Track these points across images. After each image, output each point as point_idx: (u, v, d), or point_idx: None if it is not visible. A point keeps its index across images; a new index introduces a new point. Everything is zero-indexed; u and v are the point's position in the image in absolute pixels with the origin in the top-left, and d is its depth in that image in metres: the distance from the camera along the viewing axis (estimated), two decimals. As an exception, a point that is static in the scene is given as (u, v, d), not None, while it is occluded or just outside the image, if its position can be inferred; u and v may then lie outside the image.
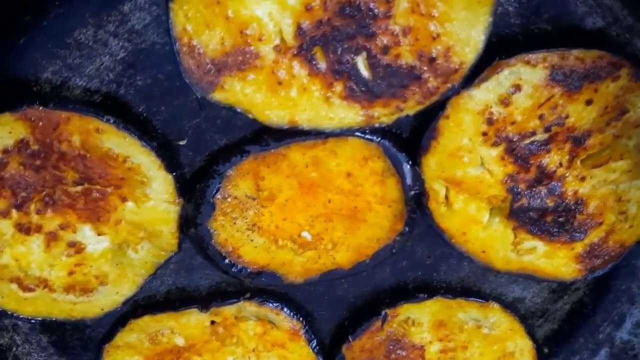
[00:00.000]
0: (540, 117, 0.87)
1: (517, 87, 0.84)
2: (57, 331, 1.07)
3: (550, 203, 0.94)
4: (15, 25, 0.78)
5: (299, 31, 0.79)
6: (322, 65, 0.81)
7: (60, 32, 0.81)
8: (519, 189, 0.93)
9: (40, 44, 0.82)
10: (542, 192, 0.93)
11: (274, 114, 0.83)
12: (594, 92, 0.85)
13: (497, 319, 1.09)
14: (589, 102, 0.86)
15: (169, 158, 0.90)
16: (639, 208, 0.97)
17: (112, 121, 0.85)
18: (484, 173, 0.91)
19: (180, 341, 1.07)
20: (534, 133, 0.88)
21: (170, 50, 0.80)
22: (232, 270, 1.00)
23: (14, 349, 1.07)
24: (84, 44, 0.83)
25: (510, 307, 1.09)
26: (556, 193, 0.93)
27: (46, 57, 0.83)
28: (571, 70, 0.83)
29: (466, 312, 1.08)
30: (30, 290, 0.97)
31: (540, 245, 0.99)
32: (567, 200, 0.94)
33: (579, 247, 0.99)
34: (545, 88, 0.85)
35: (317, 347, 1.08)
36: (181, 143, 0.92)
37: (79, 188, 0.90)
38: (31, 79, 0.84)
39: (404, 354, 1.11)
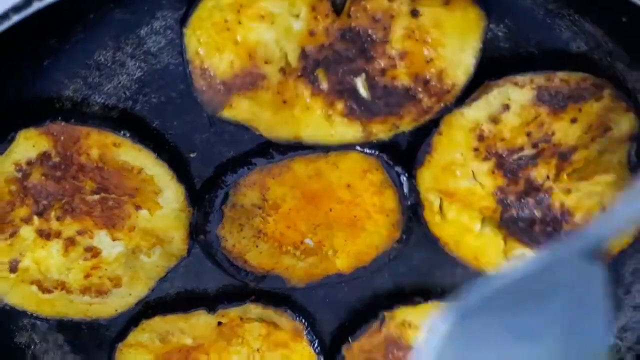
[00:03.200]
0: (528, 134, 0.92)
1: (506, 107, 0.90)
2: (72, 330, 1.12)
3: (538, 214, 1.00)
4: (41, 48, 0.84)
5: (303, 54, 0.85)
6: (324, 85, 0.87)
7: (81, 54, 0.87)
8: (509, 201, 0.98)
9: (63, 65, 0.88)
10: (531, 204, 0.99)
11: (279, 131, 0.89)
12: (579, 111, 0.91)
13: None
14: (573, 121, 0.92)
15: (180, 169, 0.96)
16: None
17: (128, 135, 0.91)
18: (475, 185, 0.97)
19: (188, 341, 1.12)
20: (522, 149, 0.94)
21: (183, 71, 0.86)
22: (239, 274, 1.05)
23: (32, 347, 1.12)
24: (103, 64, 0.89)
25: None
26: (544, 204, 0.99)
27: (68, 76, 0.89)
28: (556, 91, 0.89)
29: None
30: (49, 292, 1.02)
31: (528, 253, 1.04)
32: (554, 211, 1.00)
33: (566, 255, 1.04)
34: (532, 107, 0.90)
35: (319, 348, 1.12)
36: (192, 156, 0.97)
37: (96, 197, 0.96)
38: (54, 96, 0.90)
39: (400, 354, 1.16)
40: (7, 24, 0.65)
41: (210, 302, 1.09)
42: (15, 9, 0.63)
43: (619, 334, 1.17)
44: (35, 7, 0.64)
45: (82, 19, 0.83)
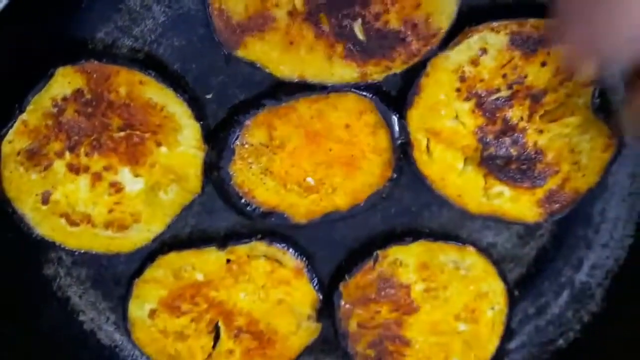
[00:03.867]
0: (504, 76, 1.05)
1: (484, 50, 1.02)
2: (94, 266, 1.19)
3: (514, 152, 1.11)
4: (78, -9, 0.95)
5: None
6: (326, 28, 1.00)
7: (113, -1, 0.99)
8: (488, 139, 1.10)
9: (98, 8, 0.98)
10: (507, 142, 1.10)
11: (287, 69, 1.01)
12: (547, 55, 1.03)
13: (472, 261, 1.20)
14: (543, 64, 1.04)
15: (198, 109, 1.06)
16: (590, 159, 1.11)
17: (153, 75, 1.02)
18: (458, 125, 1.09)
19: (200, 277, 1.18)
20: (498, 90, 1.06)
21: (203, 16, 0.98)
22: (247, 209, 1.14)
23: (58, 280, 1.20)
24: (132, 9, 1.00)
25: (484, 251, 1.20)
26: (519, 143, 1.10)
27: (102, 19, 1.00)
28: (528, 36, 1.02)
29: (446, 254, 1.19)
30: (76, 224, 1.11)
31: (506, 190, 1.14)
32: (528, 150, 1.11)
33: (539, 193, 1.14)
34: (507, 51, 1.03)
35: (318, 285, 1.20)
36: (208, 96, 1.07)
37: (122, 134, 1.07)
38: (87, 38, 1.01)
39: (392, 291, 1.21)
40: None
41: (221, 240, 1.17)
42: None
43: (590, 271, 1.27)
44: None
45: (116, -35, 0.95)
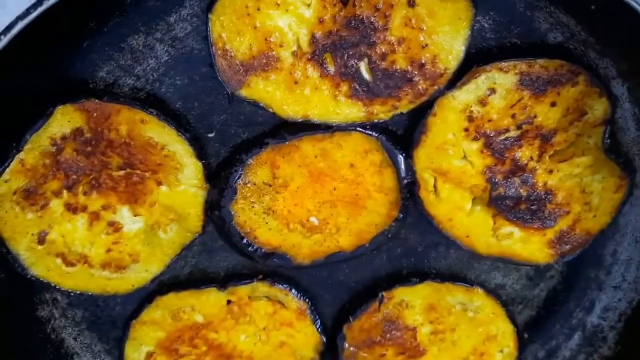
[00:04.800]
0: (513, 116, 1.03)
1: (493, 90, 1.01)
2: (90, 307, 1.17)
3: (523, 192, 1.09)
4: (80, 31, 0.94)
5: (313, 40, 0.96)
6: (331, 68, 0.98)
7: (116, 38, 0.98)
8: (497, 180, 1.08)
9: (99, 48, 0.98)
10: (517, 183, 1.08)
11: (290, 109, 1.00)
12: (557, 95, 1.02)
13: (481, 303, 1.19)
14: (553, 104, 1.02)
15: (199, 148, 1.05)
16: (601, 199, 1.10)
17: (154, 113, 1.00)
18: (466, 164, 1.07)
19: (199, 318, 1.16)
20: (507, 130, 1.04)
21: (205, 55, 0.97)
22: (248, 249, 1.12)
23: (52, 321, 1.17)
24: (135, 48, 0.99)
25: (492, 292, 1.19)
26: (528, 184, 1.08)
27: (103, 59, 0.99)
28: (537, 76, 1.00)
29: (454, 296, 1.18)
30: (72, 265, 1.08)
31: (516, 231, 1.12)
32: (538, 191, 1.09)
33: (550, 234, 1.12)
34: (515, 91, 1.01)
35: (321, 327, 1.17)
36: (210, 135, 1.06)
37: (121, 172, 1.05)
38: (89, 77, 1.00)
39: (398, 334, 1.20)
40: (54, 0, 0.74)
41: (221, 280, 1.15)
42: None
43: (602, 314, 1.24)
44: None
45: (119, 5, 0.94)
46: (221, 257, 1.16)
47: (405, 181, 1.08)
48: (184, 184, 1.06)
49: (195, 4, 0.97)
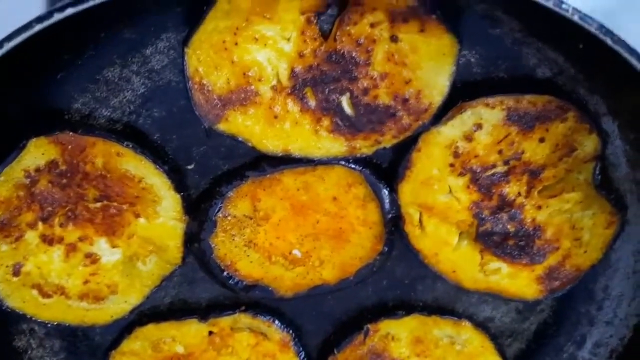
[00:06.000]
0: (500, 152, 1.00)
1: (479, 126, 0.98)
2: (69, 337, 1.15)
3: (511, 228, 1.06)
4: (55, 63, 0.92)
5: (293, 74, 0.93)
6: (312, 103, 0.95)
7: (91, 70, 0.96)
8: (484, 215, 1.05)
9: (74, 79, 0.96)
10: (504, 218, 1.06)
11: (270, 143, 0.97)
12: (546, 131, 0.99)
13: (469, 336, 1.17)
14: (541, 140, 1.00)
15: (178, 180, 1.03)
16: (592, 235, 1.08)
17: (131, 146, 0.98)
18: (452, 200, 1.04)
19: (180, 349, 1.15)
20: (494, 165, 1.01)
21: (183, 88, 0.95)
22: (230, 282, 1.10)
23: (29, 352, 1.15)
24: (110, 80, 0.97)
25: (481, 325, 1.17)
26: (516, 219, 1.06)
27: (78, 90, 0.97)
28: (525, 112, 0.97)
29: (441, 329, 1.17)
30: (49, 296, 1.06)
31: (504, 267, 1.10)
32: (526, 226, 1.06)
33: (539, 270, 1.10)
34: (503, 127, 0.98)
35: (305, 359, 1.15)
36: (189, 167, 1.04)
37: (98, 205, 1.03)
38: (64, 108, 0.98)
39: None
40: (29, 33, 0.73)
41: (202, 311, 1.13)
42: (38, 20, 0.71)
43: (593, 349, 1.22)
44: (55, 18, 0.72)
45: (94, 37, 0.92)
46: (202, 287, 1.14)
47: (390, 215, 1.06)
48: (163, 216, 1.04)
49: (172, 37, 0.95)
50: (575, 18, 0.76)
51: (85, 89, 0.97)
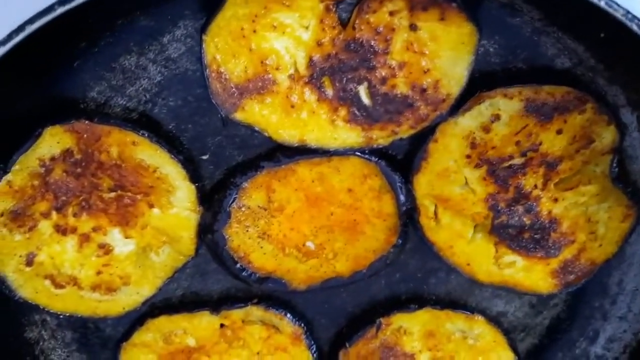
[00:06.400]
0: (517, 143, 0.99)
1: (497, 117, 0.97)
2: (80, 329, 1.15)
3: (527, 221, 1.06)
4: (71, 51, 0.91)
5: (311, 63, 0.93)
6: (329, 92, 0.95)
7: (108, 58, 0.95)
8: (499, 207, 1.04)
9: (90, 68, 0.95)
10: (520, 211, 1.05)
11: (287, 133, 0.96)
12: (564, 122, 0.98)
13: (481, 330, 1.16)
14: (559, 132, 0.99)
15: (193, 170, 1.02)
16: (607, 229, 1.07)
17: (146, 135, 0.97)
18: (468, 192, 1.03)
19: (191, 342, 1.14)
20: (511, 157, 1.01)
21: (200, 77, 0.94)
22: (242, 274, 1.09)
23: (41, 343, 1.15)
24: (127, 68, 0.96)
25: (494, 320, 1.17)
26: (532, 212, 1.05)
27: (94, 79, 0.96)
28: (543, 103, 0.97)
29: (453, 323, 1.16)
30: (61, 287, 1.06)
31: (519, 260, 1.09)
32: (542, 219, 1.05)
33: (554, 263, 1.09)
34: (520, 118, 0.98)
35: (317, 353, 1.15)
36: (204, 157, 1.03)
37: (112, 194, 1.02)
38: (79, 97, 0.97)
39: None
40: (52, 16, 0.72)
41: (214, 303, 1.13)
42: (61, 2, 0.71)
43: (606, 344, 1.21)
44: (77, 1, 0.71)
45: (110, 24, 0.91)
46: (214, 280, 1.14)
47: (405, 207, 1.05)
48: (177, 206, 1.03)
49: (189, 25, 0.94)
50: (602, 4, 0.75)
51: (101, 77, 0.96)
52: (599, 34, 0.85)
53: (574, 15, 0.84)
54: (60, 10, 0.71)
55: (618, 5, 0.75)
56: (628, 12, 0.74)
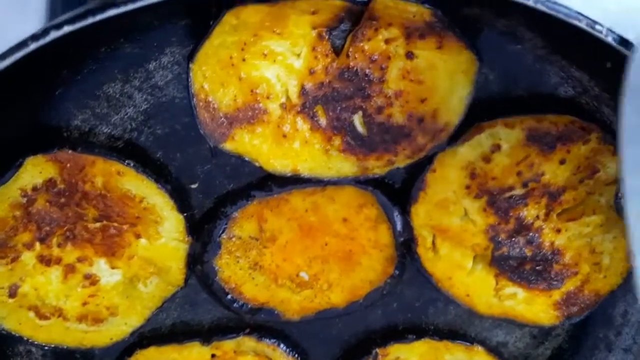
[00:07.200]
0: (518, 173, 0.96)
1: (497, 147, 0.94)
2: (67, 359, 1.13)
3: (528, 252, 1.02)
4: (53, 78, 0.88)
5: (303, 91, 0.89)
6: (323, 121, 0.91)
7: (91, 86, 0.91)
8: (500, 239, 1.01)
9: (73, 96, 0.91)
10: (521, 242, 1.01)
11: (278, 163, 0.93)
12: (567, 152, 0.94)
13: None
14: (562, 162, 0.95)
15: (181, 200, 0.99)
16: (612, 260, 1.04)
17: (132, 165, 0.94)
18: (467, 223, 1.00)
19: None
20: (512, 188, 0.97)
21: (188, 104, 0.90)
22: (234, 305, 1.06)
23: None
24: (111, 96, 0.93)
25: (494, 351, 1.15)
26: (534, 243, 1.01)
27: (78, 107, 0.93)
28: (545, 132, 0.93)
29: (452, 354, 1.14)
30: (46, 318, 1.03)
31: (520, 292, 1.06)
32: (544, 251, 1.02)
33: (556, 295, 1.06)
34: (522, 148, 0.94)
35: None
36: (193, 186, 1.00)
37: (97, 225, 0.99)
38: (62, 125, 0.94)
39: None
40: (24, 52, 0.69)
41: (205, 334, 1.09)
42: (33, 38, 0.67)
43: (610, 376, 1.18)
44: (52, 36, 0.68)
45: (93, 52, 0.87)
46: (205, 309, 1.10)
47: (402, 238, 1.02)
48: (165, 237, 1.00)
49: (176, 52, 0.91)
50: (609, 39, 0.71)
51: (85, 105, 0.92)
52: (604, 64, 0.82)
53: (579, 44, 0.80)
54: (33, 45, 0.67)
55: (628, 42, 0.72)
56: (636, 45, 0.70)
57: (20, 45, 0.68)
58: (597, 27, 0.72)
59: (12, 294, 1.01)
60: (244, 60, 0.86)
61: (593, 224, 1.01)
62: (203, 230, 1.01)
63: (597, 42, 0.75)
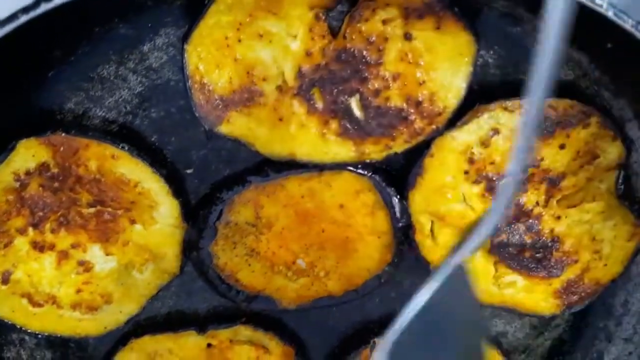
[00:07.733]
0: (518, 158, 0.94)
1: (496, 131, 0.92)
2: (60, 348, 1.11)
3: (528, 239, 1.01)
4: (46, 60, 0.87)
5: (300, 74, 0.88)
6: (319, 104, 0.90)
7: (85, 68, 0.90)
8: (499, 226, 0.99)
9: (66, 78, 0.90)
10: (521, 229, 1.00)
11: (274, 147, 0.91)
12: (566, 137, 0.93)
13: None
14: (562, 147, 0.94)
15: (177, 185, 0.98)
16: (612, 248, 1.02)
17: (126, 148, 0.92)
18: (466, 208, 0.98)
19: None
20: (512, 173, 0.95)
21: (183, 87, 0.89)
22: (230, 293, 1.05)
23: None
24: (105, 78, 0.92)
25: (493, 340, 1.13)
26: (533, 230, 1.00)
27: (71, 89, 0.92)
28: (545, 116, 0.92)
29: None
30: (39, 305, 1.02)
31: (519, 280, 1.05)
32: (544, 238, 1.01)
33: (556, 283, 1.04)
34: (521, 132, 0.92)
35: None
36: (188, 171, 0.99)
37: (92, 210, 0.97)
38: (56, 108, 0.93)
39: None
40: (15, 24, 0.67)
41: (201, 322, 1.09)
42: (24, 10, 0.66)
43: (611, 367, 1.16)
44: (42, 8, 0.67)
45: (87, 32, 0.86)
46: (201, 298, 1.09)
47: (400, 224, 1.00)
48: (160, 222, 0.99)
49: (171, 33, 0.89)
50: (610, 14, 0.70)
51: (78, 88, 0.91)
52: (605, 45, 0.80)
53: (579, 24, 0.79)
54: (23, 18, 0.66)
55: (627, 15, 0.70)
56: (638, 22, 0.69)
57: (10, 18, 0.67)
58: (597, 1, 0.70)
59: (5, 280, 0.99)
60: (239, 41, 0.85)
61: (593, 210, 1.00)
62: (198, 215, 1.00)
63: (598, 19, 0.74)
